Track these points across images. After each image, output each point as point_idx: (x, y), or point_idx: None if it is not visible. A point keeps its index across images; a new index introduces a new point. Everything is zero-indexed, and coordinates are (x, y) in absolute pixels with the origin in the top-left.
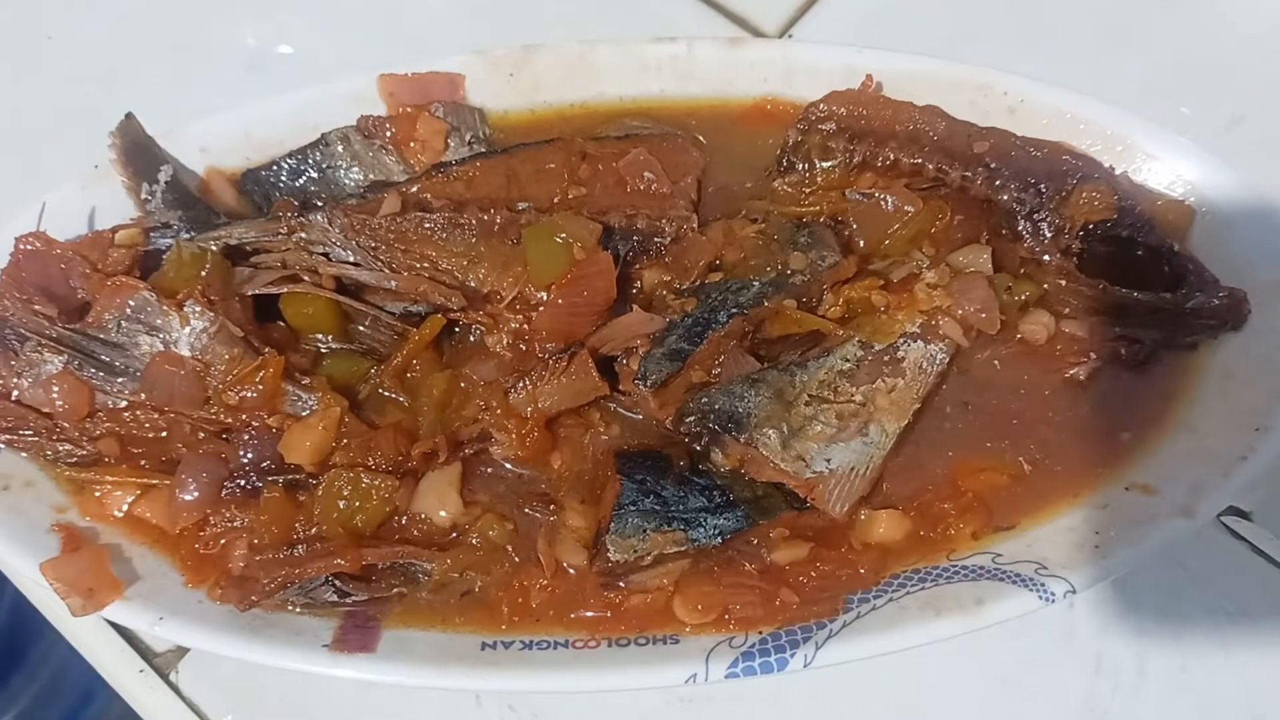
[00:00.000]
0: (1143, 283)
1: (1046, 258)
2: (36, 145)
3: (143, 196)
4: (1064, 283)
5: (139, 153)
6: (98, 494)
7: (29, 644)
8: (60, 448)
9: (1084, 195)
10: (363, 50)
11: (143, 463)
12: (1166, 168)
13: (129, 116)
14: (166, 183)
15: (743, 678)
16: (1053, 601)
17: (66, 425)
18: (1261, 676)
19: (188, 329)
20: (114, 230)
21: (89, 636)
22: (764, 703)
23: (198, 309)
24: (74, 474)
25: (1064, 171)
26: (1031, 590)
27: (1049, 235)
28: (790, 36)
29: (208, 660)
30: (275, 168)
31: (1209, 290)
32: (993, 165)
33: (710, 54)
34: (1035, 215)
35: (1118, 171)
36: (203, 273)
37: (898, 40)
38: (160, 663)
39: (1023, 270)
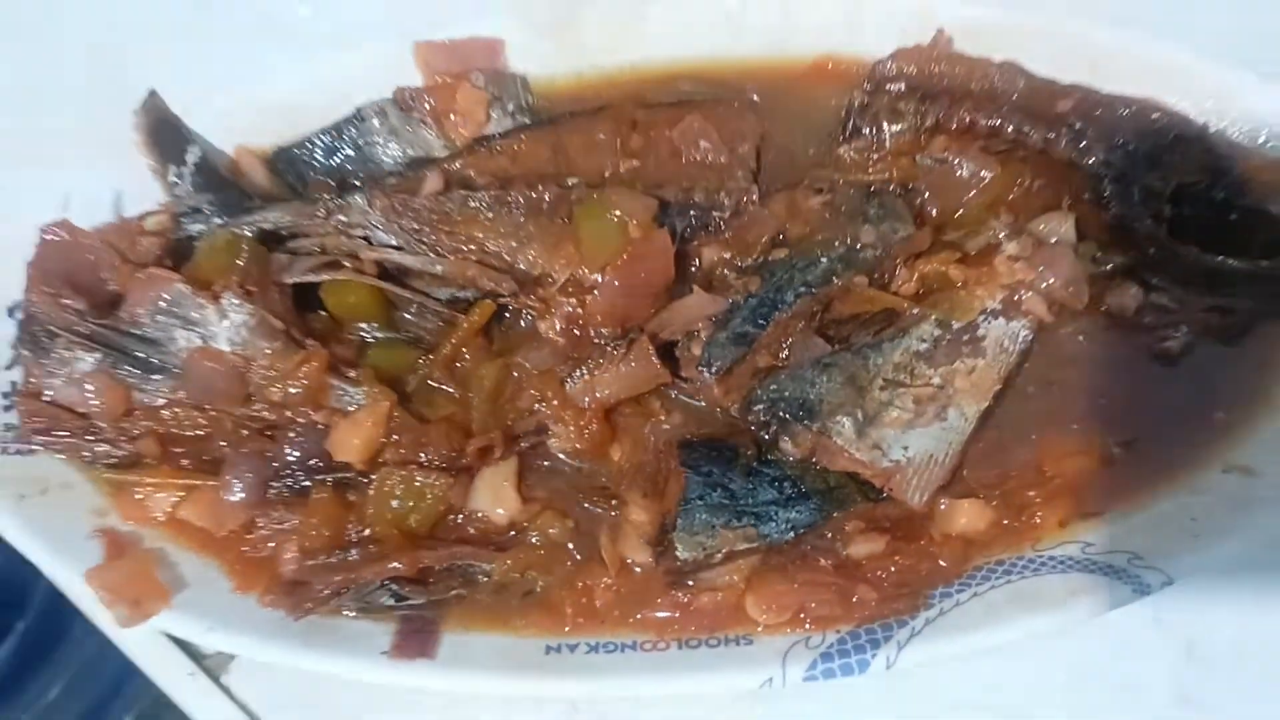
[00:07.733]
0: (1238, 249)
1: (1135, 224)
2: (53, 127)
3: (170, 179)
4: (1154, 250)
5: (165, 132)
6: (138, 496)
7: (59, 639)
8: (97, 448)
9: (1176, 156)
10: (387, 8)
11: (184, 462)
12: (1265, 124)
13: (152, 94)
14: (195, 164)
15: (822, 680)
16: (1148, 594)
17: (103, 425)
18: None
19: (225, 322)
20: (142, 217)
21: (136, 640)
22: (835, 697)
23: (235, 300)
24: (113, 476)
25: (1154, 130)
26: (1125, 583)
27: (1138, 199)
28: None
29: (260, 662)
30: (309, 145)
31: None
32: (1077, 125)
33: (766, 6)
34: (1123, 178)
35: (1212, 129)
36: (239, 261)
37: None
38: (211, 664)
39: (1109, 238)
